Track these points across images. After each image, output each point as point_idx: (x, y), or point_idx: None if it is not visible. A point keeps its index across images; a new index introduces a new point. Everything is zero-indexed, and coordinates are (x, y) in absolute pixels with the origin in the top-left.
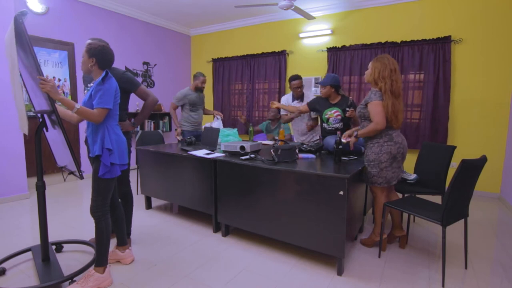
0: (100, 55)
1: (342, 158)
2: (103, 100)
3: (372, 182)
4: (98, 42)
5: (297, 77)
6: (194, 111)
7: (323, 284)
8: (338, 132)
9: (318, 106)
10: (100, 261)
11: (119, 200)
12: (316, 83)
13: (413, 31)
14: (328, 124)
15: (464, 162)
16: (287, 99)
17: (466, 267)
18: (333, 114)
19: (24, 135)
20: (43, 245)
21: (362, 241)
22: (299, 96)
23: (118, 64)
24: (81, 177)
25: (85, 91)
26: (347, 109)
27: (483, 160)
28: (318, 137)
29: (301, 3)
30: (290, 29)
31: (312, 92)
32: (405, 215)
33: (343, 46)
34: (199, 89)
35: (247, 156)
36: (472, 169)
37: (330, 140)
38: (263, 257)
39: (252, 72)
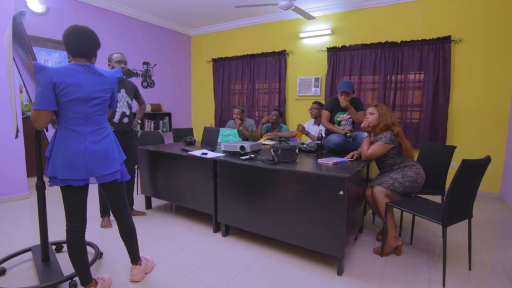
0: (65, 41)
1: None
2: (37, 99)
3: (393, 189)
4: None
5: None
6: None
7: (323, 284)
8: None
9: (335, 107)
10: (81, 280)
11: (121, 214)
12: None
13: (413, 31)
14: (340, 126)
15: (464, 162)
16: (308, 124)
17: (470, 268)
18: (345, 117)
19: (24, 135)
20: (43, 245)
21: (376, 251)
22: (315, 116)
23: None
24: None
25: None
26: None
27: (486, 160)
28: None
29: (301, 3)
30: (290, 29)
31: (312, 92)
32: (407, 217)
33: (343, 46)
34: None
35: (247, 156)
36: (474, 169)
37: (332, 137)
38: (263, 257)
39: (252, 72)
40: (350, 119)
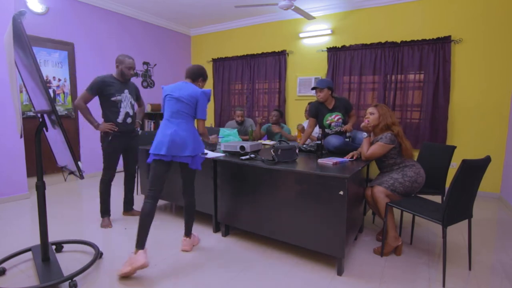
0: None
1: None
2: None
3: (393, 189)
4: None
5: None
6: None
7: (323, 284)
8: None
9: (318, 112)
10: (137, 242)
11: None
12: (312, 88)
13: (413, 31)
14: (331, 129)
15: (464, 162)
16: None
17: (470, 268)
18: (334, 119)
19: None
20: (43, 245)
21: (376, 251)
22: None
23: None
24: (81, 177)
25: (119, 96)
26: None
27: (486, 160)
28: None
29: (301, 3)
30: (290, 29)
31: (312, 92)
32: (407, 217)
33: (343, 46)
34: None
35: (247, 156)
36: (473, 169)
37: (331, 139)
38: (263, 257)
39: (252, 72)
40: (340, 120)
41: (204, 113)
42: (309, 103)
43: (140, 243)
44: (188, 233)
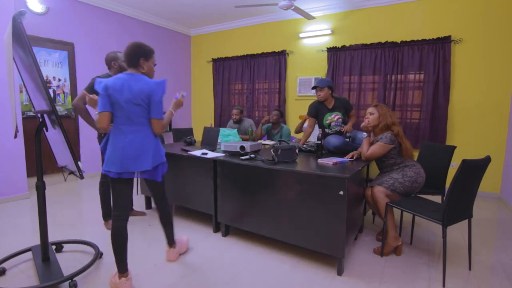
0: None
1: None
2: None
3: (393, 189)
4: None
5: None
6: None
7: (323, 284)
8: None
9: (318, 112)
10: (117, 266)
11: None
12: (312, 87)
13: (413, 31)
14: (331, 129)
15: (464, 162)
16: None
17: (470, 268)
18: (334, 118)
19: (24, 135)
20: (43, 245)
21: (376, 251)
22: None
23: None
24: (81, 177)
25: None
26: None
27: (486, 160)
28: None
29: (301, 3)
30: (290, 29)
31: (312, 92)
32: (407, 217)
33: (343, 46)
34: None
35: (247, 156)
36: (473, 169)
37: (331, 139)
38: (263, 257)
39: (252, 72)
40: (340, 119)
41: (160, 111)
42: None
43: (123, 267)
44: (171, 242)
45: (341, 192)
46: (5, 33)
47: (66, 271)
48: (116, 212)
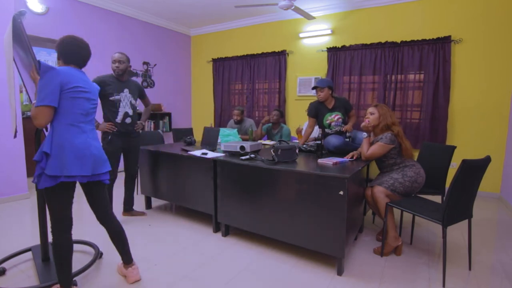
0: (60, 48)
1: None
2: (38, 96)
3: (393, 189)
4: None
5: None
6: None
7: (323, 284)
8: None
9: (318, 112)
10: (60, 281)
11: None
12: (312, 88)
13: (413, 31)
14: (331, 129)
15: (464, 162)
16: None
17: (470, 268)
18: (334, 118)
19: (24, 135)
20: (43, 245)
21: (376, 251)
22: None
23: None
24: None
25: (117, 96)
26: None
27: (486, 160)
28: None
29: (301, 3)
30: (290, 29)
31: (312, 92)
32: (407, 217)
33: (343, 46)
34: None
35: (247, 156)
36: (473, 169)
37: (331, 139)
38: (263, 257)
39: (252, 72)
40: (340, 119)
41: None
42: (310, 103)
43: (68, 283)
44: (129, 259)
45: (341, 192)
46: (5, 33)
47: None
48: (66, 223)
